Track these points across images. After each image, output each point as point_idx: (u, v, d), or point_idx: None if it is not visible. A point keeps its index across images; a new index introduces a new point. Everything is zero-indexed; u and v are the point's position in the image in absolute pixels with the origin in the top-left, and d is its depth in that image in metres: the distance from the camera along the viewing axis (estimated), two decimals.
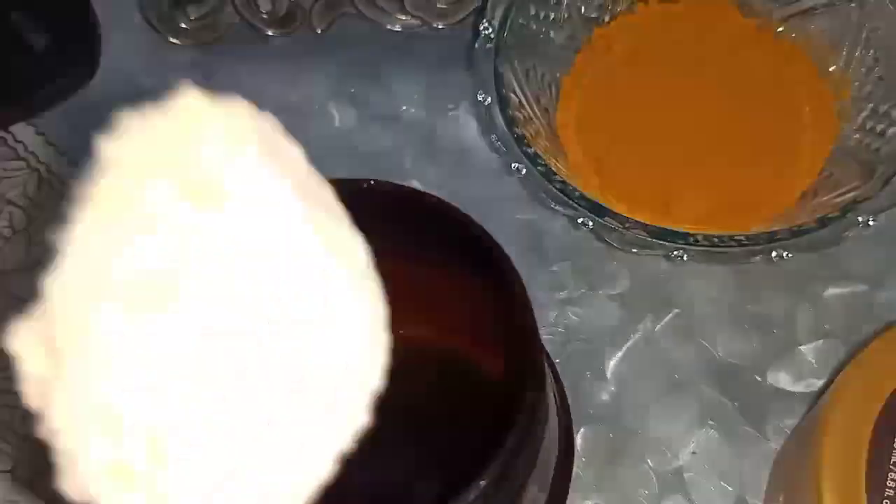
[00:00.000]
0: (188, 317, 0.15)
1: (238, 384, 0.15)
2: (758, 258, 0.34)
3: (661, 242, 0.34)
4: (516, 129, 0.36)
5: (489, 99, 0.37)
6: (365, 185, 0.27)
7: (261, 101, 0.50)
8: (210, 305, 0.15)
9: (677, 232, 0.34)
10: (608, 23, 0.43)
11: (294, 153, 0.18)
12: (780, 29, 0.42)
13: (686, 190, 0.38)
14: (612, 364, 0.39)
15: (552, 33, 0.41)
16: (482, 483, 0.22)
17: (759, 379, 0.39)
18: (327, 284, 0.16)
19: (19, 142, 0.46)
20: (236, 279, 0.16)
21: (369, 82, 0.47)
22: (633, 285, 0.40)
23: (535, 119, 0.39)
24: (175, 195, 0.16)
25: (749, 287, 0.40)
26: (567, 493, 0.33)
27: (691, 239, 0.34)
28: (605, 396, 0.39)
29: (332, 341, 0.16)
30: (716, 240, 0.34)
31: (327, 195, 0.18)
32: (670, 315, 0.40)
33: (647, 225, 0.34)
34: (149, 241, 0.15)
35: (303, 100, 0.47)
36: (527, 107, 0.39)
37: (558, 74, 0.42)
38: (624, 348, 0.39)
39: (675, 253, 0.34)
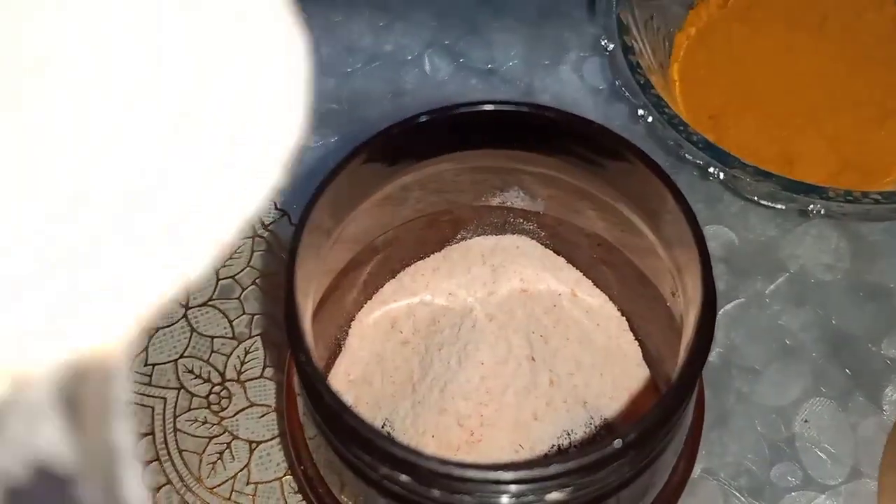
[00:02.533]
0: None
1: None
2: None
3: (794, 196, 0.33)
4: (640, 75, 0.35)
5: (612, 46, 0.36)
6: None
7: (353, 49, 0.49)
8: None
9: (812, 186, 0.32)
10: None
11: None
12: None
13: (810, 148, 0.37)
14: (719, 324, 0.38)
15: None
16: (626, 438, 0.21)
17: (874, 349, 0.37)
18: None
19: None
20: None
21: (466, 34, 0.46)
22: (741, 247, 0.39)
23: (653, 71, 0.38)
24: None
25: (865, 255, 0.38)
26: (694, 462, 0.31)
27: (828, 194, 0.32)
28: (712, 357, 0.37)
29: None
30: (852, 197, 0.32)
31: None
32: (781, 279, 0.38)
33: (782, 177, 0.32)
34: None
35: (396, 49, 0.46)
36: (646, 57, 0.37)
37: (672, 29, 0.41)
38: (731, 308, 0.38)
39: (812, 207, 0.32)
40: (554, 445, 0.29)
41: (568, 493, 0.22)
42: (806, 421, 0.36)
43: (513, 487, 0.21)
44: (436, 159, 0.28)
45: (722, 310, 0.38)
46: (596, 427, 0.31)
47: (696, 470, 0.34)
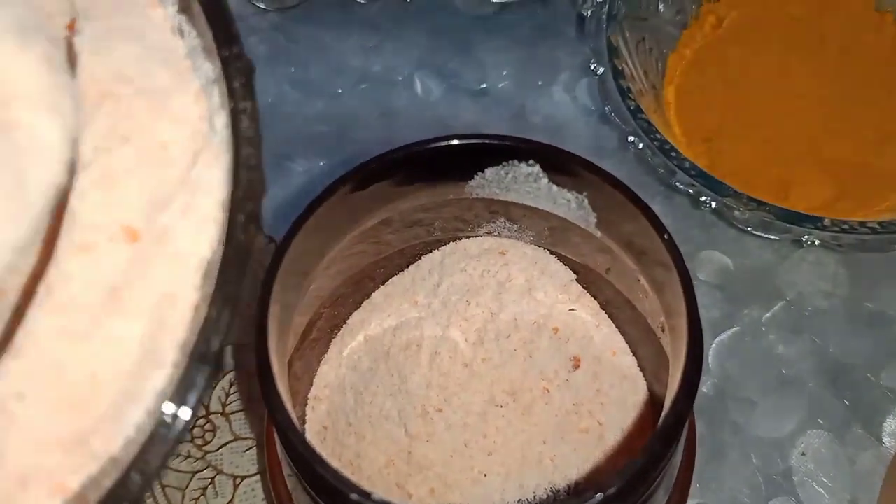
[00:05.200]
0: None
1: None
2: None
3: (788, 226, 0.32)
4: (631, 100, 0.34)
5: (602, 69, 0.35)
6: None
7: (343, 69, 0.48)
8: None
9: (807, 216, 0.32)
10: None
11: None
12: None
13: (807, 174, 0.36)
14: (713, 354, 0.37)
15: (662, 7, 0.39)
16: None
17: (872, 379, 0.36)
18: None
19: None
20: None
21: (457, 54, 0.45)
22: (736, 273, 0.38)
23: (645, 93, 0.37)
24: None
25: (864, 282, 0.38)
26: (687, 497, 0.30)
27: (822, 223, 0.32)
28: (706, 388, 0.37)
29: None
30: (847, 226, 0.32)
31: None
32: (778, 307, 0.38)
33: (776, 207, 0.31)
34: None
35: (387, 69, 0.45)
36: (637, 80, 0.37)
37: (665, 51, 0.40)
38: (726, 338, 0.37)
39: (806, 238, 0.32)
40: (546, 491, 0.28)
41: None
42: (803, 454, 0.35)
43: None
44: (416, 193, 0.28)
45: (717, 339, 0.37)
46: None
47: None
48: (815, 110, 0.38)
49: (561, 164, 0.25)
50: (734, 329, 0.37)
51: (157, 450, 0.21)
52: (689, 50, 0.40)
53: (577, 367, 0.30)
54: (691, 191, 0.33)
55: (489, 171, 0.27)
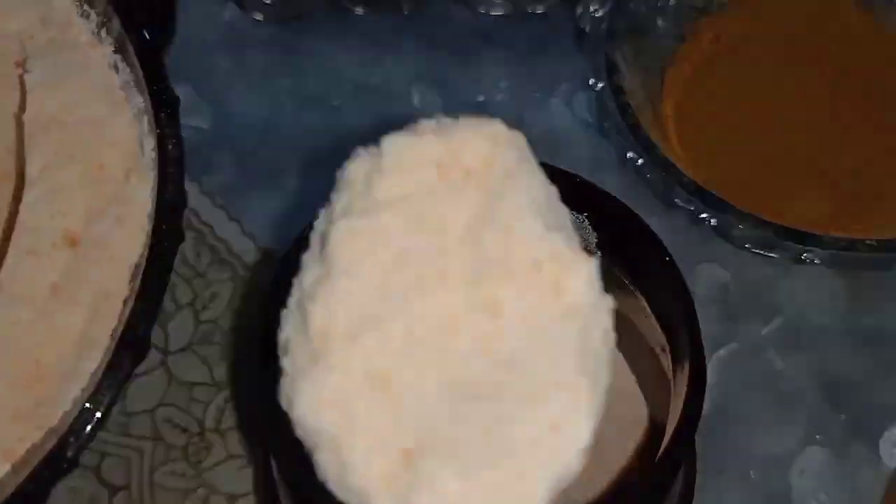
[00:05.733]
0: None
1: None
2: None
3: (786, 243, 0.32)
4: (629, 116, 0.34)
5: (600, 85, 0.35)
6: None
7: (341, 81, 0.48)
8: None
9: (807, 234, 0.31)
10: (716, 12, 0.41)
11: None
12: None
13: (805, 191, 0.36)
14: (711, 369, 0.37)
15: (660, 21, 0.39)
16: None
17: (872, 395, 0.36)
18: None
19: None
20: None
21: (455, 67, 0.45)
22: (735, 288, 0.38)
23: (643, 108, 0.37)
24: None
25: (863, 298, 0.37)
26: None
27: (822, 241, 0.31)
28: (704, 405, 0.36)
29: None
30: (847, 244, 0.31)
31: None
32: (776, 322, 0.37)
33: (776, 224, 0.31)
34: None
35: (384, 82, 0.45)
36: (636, 95, 0.36)
37: (663, 65, 0.40)
38: (725, 353, 0.37)
39: (805, 256, 0.31)
40: None
41: None
42: (802, 471, 0.35)
43: None
44: None
45: (715, 354, 0.37)
46: None
47: None
48: (813, 125, 0.38)
49: (560, 185, 0.25)
50: (732, 345, 0.37)
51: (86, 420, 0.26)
52: (687, 64, 0.40)
53: None
54: (691, 207, 0.32)
55: None
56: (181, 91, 0.44)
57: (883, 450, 0.35)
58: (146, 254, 0.27)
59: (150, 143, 0.29)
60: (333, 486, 0.18)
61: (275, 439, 0.22)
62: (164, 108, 0.29)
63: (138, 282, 0.27)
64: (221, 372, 0.37)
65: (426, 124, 0.19)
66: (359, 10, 0.44)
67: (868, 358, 0.37)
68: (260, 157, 0.43)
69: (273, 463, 0.26)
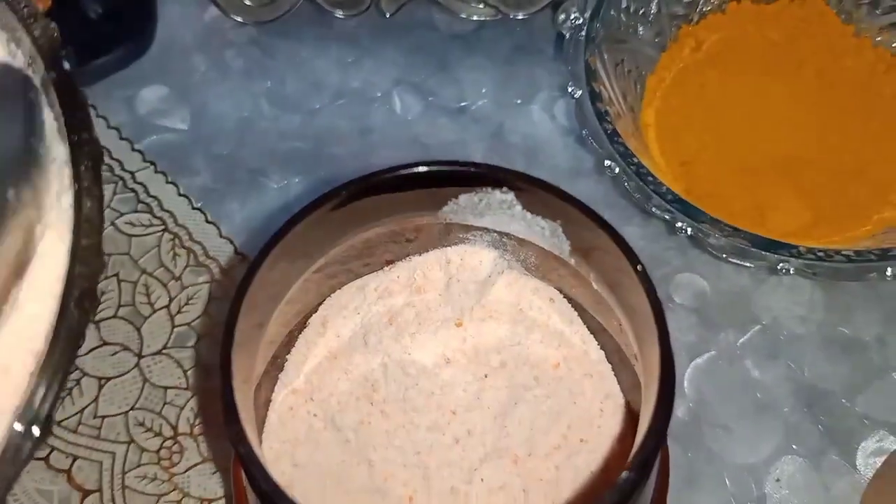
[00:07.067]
0: None
1: None
2: (873, 275, 0.31)
3: (763, 253, 0.32)
4: (608, 124, 0.34)
5: (579, 92, 0.35)
6: None
7: (320, 84, 0.48)
8: None
9: (783, 243, 0.31)
10: (697, 22, 0.41)
11: None
12: (879, 38, 0.40)
13: (783, 200, 0.36)
14: (688, 378, 0.37)
15: (641, 29, 0.39)
16: None
17: (848, 405, 0.36)
18: None
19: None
20: None
21: (436, 71, 0.45)
22: (713, 297, 0.38)
23: (622, 116, 0.37)
24: None
25: (840, 307, 0.37)
26: None
27: (798, 251, 0.31)
28: (680, 413, 0.36)
29: None
30: (823, 254, 0.31)
31: None
32: (753, 331, 0.37)
33: (752, 234, 0.31)
34: None
35: (364, 85, 0.45)
36: (615, 103, 0.36)
37: (644, 73, 0.40)
38: (702, 362, 0.37)
39: (781, 265, 0.31)
40: None
41: None
42: (778, 480, 0.35)
43: None
44: (390, 217, 0.27)
45: (692, 363, 0.37)
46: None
47: None
48: (792, 135, 0.38)
49: (534, 192, 0.25)
50: (710, 353, 0.37)
51: None
52: (667, 73, 0.40)
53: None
54: (667, 216, 0.32)
55: (462, 198, 0.26)
56: (160, 92, 0.44)
57: (859, 459, 0.35)
58: (54, 321, 0.24)
59: (68, 199, 0.26)
60: None
61: (241, 446, 0.22)
62: (85, 161, 0.26)
63: (43, 353, 0.23)
64: (196, 376, 0.37)
65: None
66: (339, 14, 0.44)
67: (844, 367, 0.37)
68: (238, 159, 0.42)
69: (242, 470, 0.26)
